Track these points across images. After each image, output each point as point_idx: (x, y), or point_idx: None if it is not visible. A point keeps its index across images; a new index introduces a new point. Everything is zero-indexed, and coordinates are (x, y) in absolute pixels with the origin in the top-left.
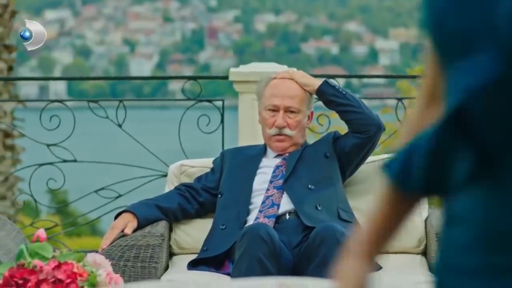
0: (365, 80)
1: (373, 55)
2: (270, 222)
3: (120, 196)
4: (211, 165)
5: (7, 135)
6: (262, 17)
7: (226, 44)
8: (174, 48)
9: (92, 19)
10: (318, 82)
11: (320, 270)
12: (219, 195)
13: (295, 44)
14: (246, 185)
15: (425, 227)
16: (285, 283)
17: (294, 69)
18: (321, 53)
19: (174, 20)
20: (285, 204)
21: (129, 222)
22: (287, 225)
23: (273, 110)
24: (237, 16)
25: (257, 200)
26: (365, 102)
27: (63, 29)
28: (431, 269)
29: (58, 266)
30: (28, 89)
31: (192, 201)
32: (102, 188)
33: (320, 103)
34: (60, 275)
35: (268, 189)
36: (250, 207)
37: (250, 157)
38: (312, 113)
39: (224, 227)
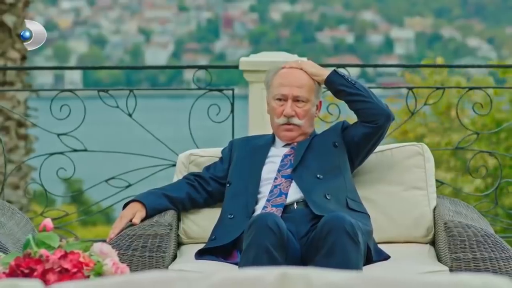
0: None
1: (389, 44)
2: (278, 212)
3: (130, 185)
4: (220, 155)
5: (20, 124)
6: (277, 6)
7: (242, 33)
8: (189, 37)
9: (107, 8)
10: (327, 72)
11: (327, 259)
12: (228, 184)
13: (311, 33)
14: (255, 174)
15: (434, 217)
16: (287, 274)
17: (304, 59)
18: (337, 42)
19: (189, 9)
20: (294, 193)
21: (137, 212)
22: (295, 215)
23: (282, 100)
24: (253, 5)
25: (265, 189)
26: (379, 91)
27: (79, 18)
28: (439, 259)
29: (64, 256)
30: (43, 79)
31: (200, 190)
32: (113, 178)
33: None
34: (66, 265)
35: (276, 178)
36: (259, 196)
37: (258, 147)
38: (320, 103)
39: (232, 216)
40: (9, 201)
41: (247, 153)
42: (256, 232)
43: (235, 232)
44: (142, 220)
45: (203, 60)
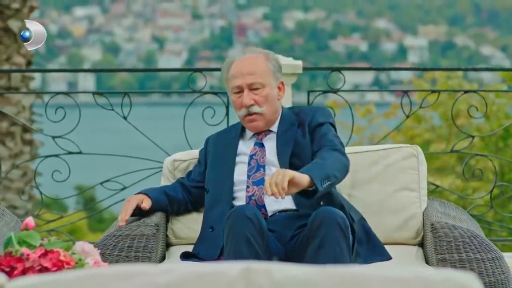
0: (393, 76)
1: (402, 52)
2: None
3: (125, 188)
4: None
5: (25, 130)
6: (291, 14)
7: (255, 41)
8: (203, 45)
9: (121, 16)
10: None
11: (318, 251)
12: (206, 192)
13: (324, 41)
14: (227, 178)
15: (423, 219)
16: (250, 268)
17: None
18: (350, 50)
19: (203, 17)
20: (271, 204)
21: (144, 199)
22: (277, 218)
23: (239, 92)
24: (266, 13)
25: (240, 195)
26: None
27: (92, 26)
28: (426, 260)
29: (45, 254)
30: (57, 86)
31: (188, 197)
32: (107, 180)
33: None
34: (46, 263)
35: (248, 187)
36: (234, 202)
37: (228, 142)
38: (282, 83)
39: (212, 230)
40: (13, 206)
41: (219, 151)
42: (233, 222)
43: (216, 247)
44: (145, 213)
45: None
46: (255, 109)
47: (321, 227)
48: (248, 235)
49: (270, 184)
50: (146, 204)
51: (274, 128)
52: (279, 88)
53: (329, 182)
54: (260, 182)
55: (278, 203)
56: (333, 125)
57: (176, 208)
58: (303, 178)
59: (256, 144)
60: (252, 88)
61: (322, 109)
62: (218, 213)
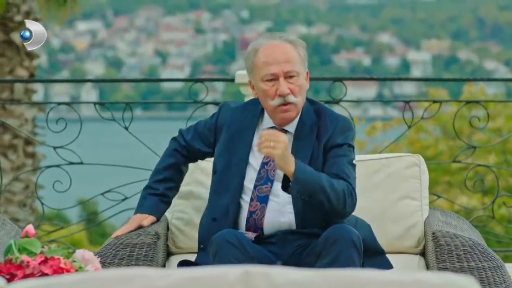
0: (396, 91)
1: (405, 66)
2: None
3: (126, 198)
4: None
5: (28, 142)
6: (294, 29)
7: None
8: (206, 59)
9: (123, 30)
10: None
11: (330, 267)
12: (213, 172)
13: (327, 55)
14: (237, 174)
15: (424, 227)
16: (249, 271)
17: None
18: (353, 64)
19: (206, 32)
20: (270, 224)
21: (147, 218)
22: (276, 238)
23: (272, 80)
24: (269, 27)
25: (243, 202)
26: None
27: (95, 40)
28: (428, 270)
29: (45, 261)
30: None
31: (188, 161)
32: (109, 191)
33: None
34: (47, 270)
35: (252, 199)
36: (241, 202)
37: (244, 126)
38: (308, 73)
39: (214, 220)
40: (15, 219)
41: (233, 133)
42: (217, 250)
43: None
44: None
45: (219, 82)
46: (291, 98)
47: (336, 244)
48: (233, 260)
49: (266, 145)
50: (147, 222)
51: (292, 127)
52: (305, 77)
53: (305, 197)
54: (264, 200)
55: (278, 223)
56: (351, 145)
57: (176, 191)
58: (287, 169)
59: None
60: (288, 76)
61: (343, 122)
62: (223, 204)
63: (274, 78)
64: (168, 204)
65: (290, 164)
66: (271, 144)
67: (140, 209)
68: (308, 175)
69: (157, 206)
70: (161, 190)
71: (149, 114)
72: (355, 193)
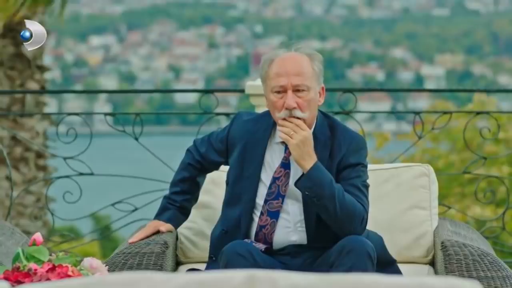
0: (410, 105)
1: (419, 81)
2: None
3: (136, 209)
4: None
5: (39, 155)
6: (307, 43)
7: None
8: (219, 74)
9: (137, 45)
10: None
11: None
12: (226, 183)
13: (341, 70)
14: (249, 188)
15: (433, 237)
16: (254, 275)
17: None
18: (367, 79)
19: (219, 46)
20: (281, 239)
21: (164, 225)
22: (286, 251)
23: (280, 92)
24: (283, 42)
25: (254, 216)
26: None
27: (108, 55)
28: None
29: (52, 269)
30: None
31: (204, 172)
32: (119, 201)
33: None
34: (54, 278)
35: (262, 214)
36: (253, 215)
37: (257, 139)
38: (323, 88)
39: (226, 232)
40: (27, 232)
41: (246, 145)
42: (228, 261)
43: None
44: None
45: (232, 97)
46: (297, 113)
47: (350, 255)
48: None
49: (286, 131)
50: (165, 228)
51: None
52: (319, 93)
53: (311, 197)
54: (275, 215)
55: (288, 241)
56: (365, 165)
57: (195, 201)
58: (302, 163)
59: (282, 165)
60: (296, 89)
61: (357, 140)
62: (234, 216)
63: (283, 90)
64: (186, 215)
65: (307, 160)
66: (291, 132)
67: (158, 216)
68: (322, 177)
69: (175, 215)
70: (179, 202)
71: (162, 129)
72: (366, 217)
